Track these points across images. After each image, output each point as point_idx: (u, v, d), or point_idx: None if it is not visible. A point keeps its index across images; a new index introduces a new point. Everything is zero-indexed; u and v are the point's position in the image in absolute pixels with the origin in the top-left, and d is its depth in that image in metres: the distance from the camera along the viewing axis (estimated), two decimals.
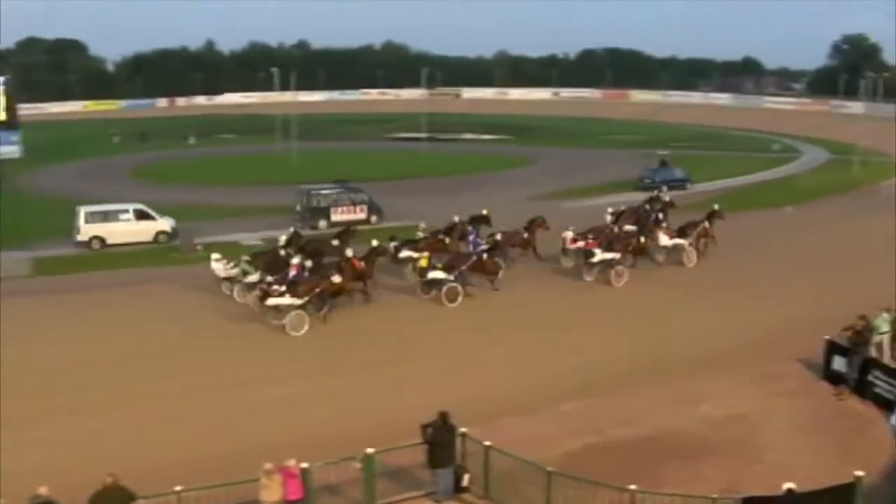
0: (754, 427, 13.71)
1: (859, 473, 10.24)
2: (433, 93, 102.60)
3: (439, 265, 21.85)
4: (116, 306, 21.91)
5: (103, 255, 28.80)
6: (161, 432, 13.83)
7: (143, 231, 31.17)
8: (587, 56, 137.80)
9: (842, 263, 25.07)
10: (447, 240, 25.31)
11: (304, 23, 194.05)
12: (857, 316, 15.50)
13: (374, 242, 23.02)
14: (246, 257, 23.09)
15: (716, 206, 28.53)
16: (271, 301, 20.06)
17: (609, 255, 23.97)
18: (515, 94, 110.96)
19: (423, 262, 22.04)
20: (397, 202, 35.85)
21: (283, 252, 23.29)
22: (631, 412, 14.20)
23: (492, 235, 24.51)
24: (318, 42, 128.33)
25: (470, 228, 25.85)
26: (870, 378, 15.12)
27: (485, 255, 22.71)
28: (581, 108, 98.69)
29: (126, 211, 31.51)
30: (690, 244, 26.22)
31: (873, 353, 15.90)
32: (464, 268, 22.18)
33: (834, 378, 15.80)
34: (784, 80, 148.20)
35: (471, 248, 24.16)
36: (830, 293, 21.56)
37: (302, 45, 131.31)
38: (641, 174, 44.90)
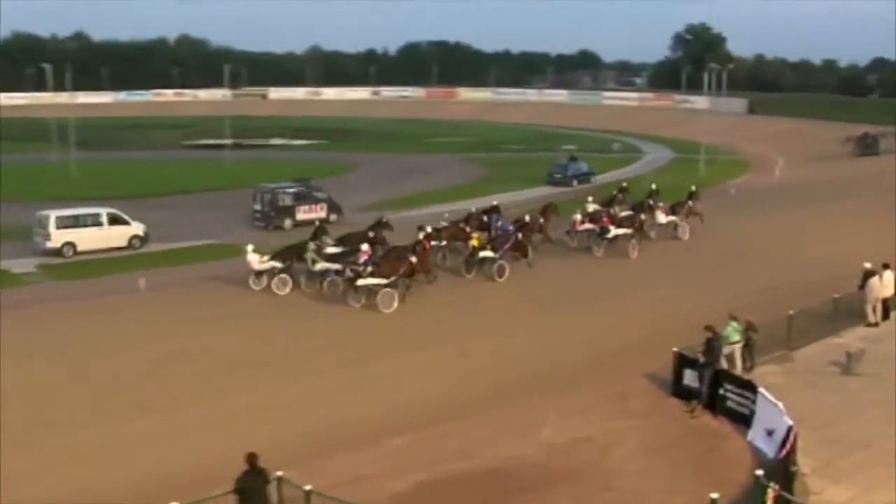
0: (602, 451, 13.74)
1: (714, 496, 10.30)
2: (237, 93, 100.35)
3: (488, 246, 26.54)
4: (187, 303, 23.84)
5: (127, 258, 30.15)
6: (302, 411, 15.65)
7: (118, 236, 32.14)
8: (410, 51, 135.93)
9: (696, 268, 26.17)
10: (467, 228, 29.37)
11: (81, 10, 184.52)
12: (704, 326, 15.66)
13: (429, 229, 27.62)
14: (312, 246, 25.98)
15: (693, 188, 34.71)
16: (362, 282, 23.43)
17: (622, 231, 29.23)
18: (330, 93, 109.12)
19: (476, 243, 26.52)
20: (205, 216, 37.85)
21: (312, 245, 26.13)
22: (467, 443, 14.08)
23: (518, 220, 29.57)
24: (100, 34, 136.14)
25: (485, 218, 30.57)
26: (721, 392, 15.10)
27: (520, 236, 27.17)
28: (404, 108, 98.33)
29: (98, 215, 32.32)
30: (682, 220, 31.86)
31: (724, 364, 16.06)
32: (507, 247, 26.63)
33: (685, 393, 15.76)
34: (624, 75, 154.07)
35: (499, 232, 28.41)
36: (684, 301, 22.41)
37: (80, 38, 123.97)
38: (551, 169, 50.41)
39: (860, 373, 16.72)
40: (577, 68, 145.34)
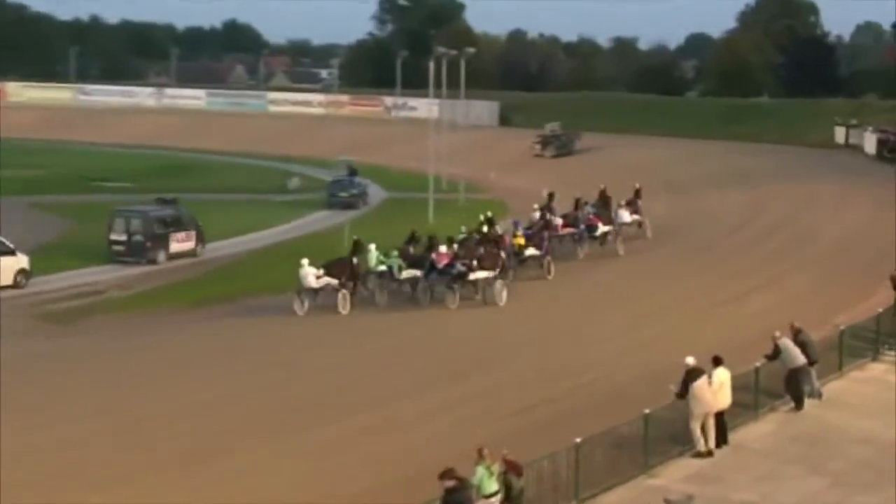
0: None
1: None
2: None
3: (530, 243, 39.55)
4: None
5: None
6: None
7: (3, 270, 38.69)
8: None
9: (418, 377, 28.24)
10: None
11: None
12: (439, 474, 16.79)
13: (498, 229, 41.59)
14: (395, 252, 36.45)
15: (637, 185, 48.35)
16: (473, 276, 34.78)
17: (607, 228, 43.47)
18: None
19: (520, 241, 39.39)
20: None
21: (395, 252, 36.59)
22: None
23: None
24: None
25: (498, 229, 42.14)
26: None
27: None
28: None
29: None
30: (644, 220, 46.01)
31: None
32: (547, 244, 40.12)
33: None
34: (302, 63, 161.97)
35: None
36: (409, 430, 23.82)
37: None
38: (330, 188, 61.12)
39: None
40: (223, 52, 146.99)
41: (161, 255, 43.93)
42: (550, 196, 47.86)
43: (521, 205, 55.66)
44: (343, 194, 60.99)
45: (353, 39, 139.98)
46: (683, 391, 21.11)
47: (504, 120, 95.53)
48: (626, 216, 45.27)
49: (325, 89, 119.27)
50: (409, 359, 28.97)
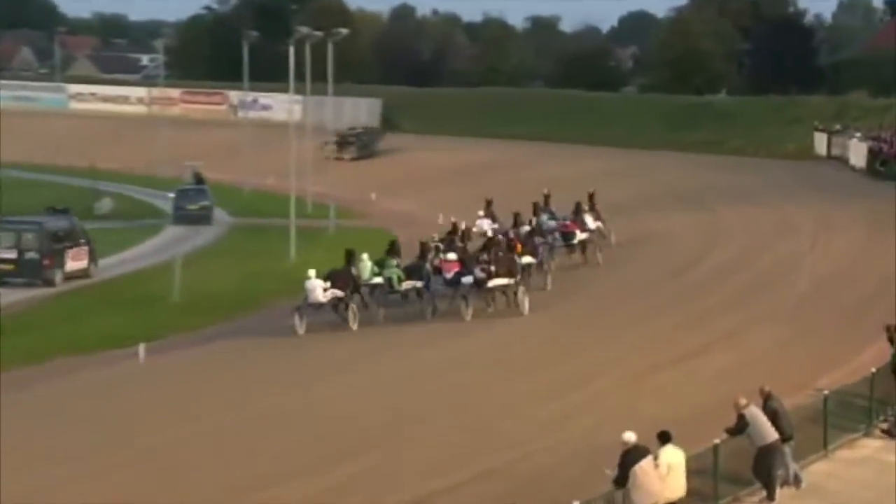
0: None
1: None
2: None
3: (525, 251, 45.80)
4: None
5: None
6: None
7: None
8: None
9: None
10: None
11: None
12: None
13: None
14: (394, 262, 42.47)
15: (591, 190, 54.70)
16: (492, 283, 40.55)
17: (584, 235, 49.60)
18: None
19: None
20: None
21: (394, 261, 42.94)
22: None
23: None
24: None
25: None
26: None
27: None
28: None
29: None
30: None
31: None
32: (542, 251, 47.60)
33: None
34: (114, 44, 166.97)
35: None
36: None
37: None
38: (177, 202, 66.26)
39: None
40: (1, 29, 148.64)
41: (58, 276, 48.80)
42: (488, 203, 53.63)
43: (412, 232, 56.64)
44: (192, 207, 66.04)
45: (185, 15, 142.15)
46: (622, 477, 21.27)
47: (388, 123, 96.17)
48: (590, 222, 50.66)
49: (148, 81, 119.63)
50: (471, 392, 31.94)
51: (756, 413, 23.28)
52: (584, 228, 49.67)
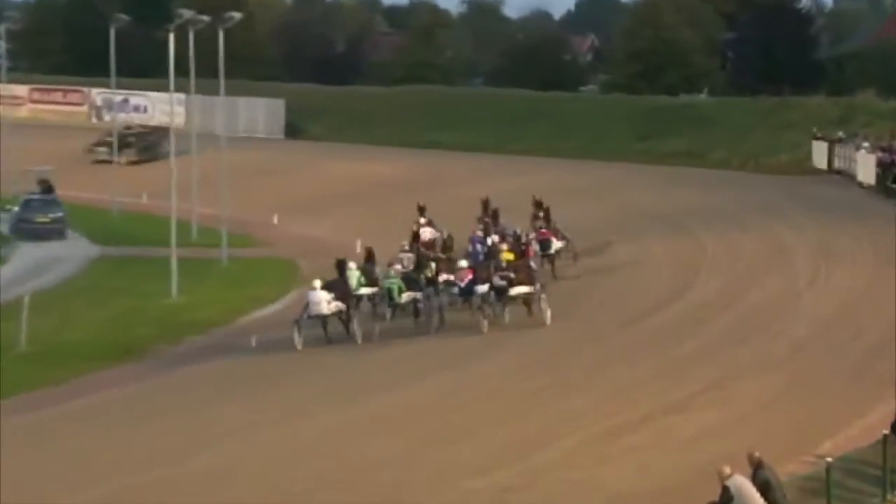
0: None
1: None
2: None
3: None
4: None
5: None
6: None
7: None
8: None
9: None
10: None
11: None
12: None
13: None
14: (392, 272, 48.32)
15: (535, 196, 60.55)
16: (514, 291, 45.85)
17: (560, 244, 55.13)
18: None
19: (508, 257, 50.79)
20: None
21: (392, 271, 48.75)
22: None
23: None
24: None
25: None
26: None
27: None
28: None
29: None
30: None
31: None
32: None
33: None
34: None
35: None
36: None
37: None
38: (21, 213, 69.22)
39: None
40: None
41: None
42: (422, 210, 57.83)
43: (324, 263, 56.86)
44: (41, 219, 68.82)
45: None
46: None
47: (292, 129, 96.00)
48: (556, 244, 54.56)
49: None
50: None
51: (743, 484, 23.35)
52: (560, 236, 54.45)
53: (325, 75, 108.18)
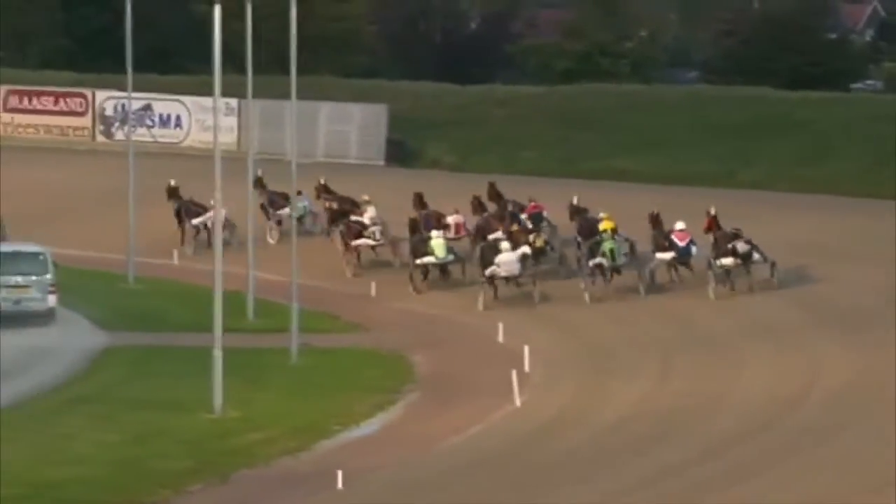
0: None
1: None
2: None
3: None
4: None
5: None
6: None
7: None
8: None
9: None
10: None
11: None
12: None
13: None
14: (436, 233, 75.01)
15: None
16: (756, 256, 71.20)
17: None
18: None
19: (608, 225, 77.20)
20: None
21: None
22: None
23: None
24: None
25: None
26: None
27: None
28: None
29: None
30: None
31: None
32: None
33: None
34: None
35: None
36: None
37: None
38: None
39: None
40: None
41: None
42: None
43: (444, 358, 62.81)
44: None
45: None
46: None
47: (399, 150, 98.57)
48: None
49: None
50: None
51: None
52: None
53: (451, 68, 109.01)
